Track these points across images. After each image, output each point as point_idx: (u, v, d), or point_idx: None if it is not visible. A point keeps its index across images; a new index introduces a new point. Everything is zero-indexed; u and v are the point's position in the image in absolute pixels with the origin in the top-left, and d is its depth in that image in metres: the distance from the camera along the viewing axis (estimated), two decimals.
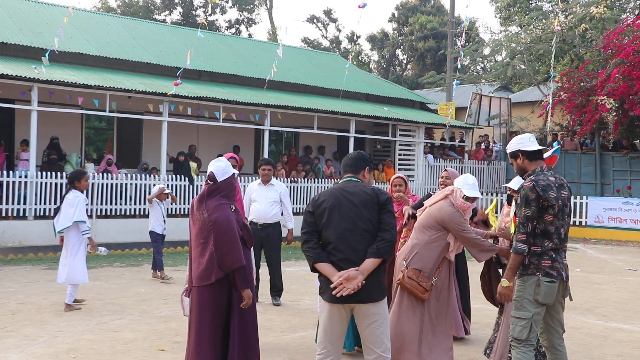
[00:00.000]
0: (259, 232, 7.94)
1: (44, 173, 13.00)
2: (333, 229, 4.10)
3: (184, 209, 14.75)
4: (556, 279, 4.40)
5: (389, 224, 4.12)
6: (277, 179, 16.34)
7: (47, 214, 12.95)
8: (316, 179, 17.36)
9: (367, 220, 4.10)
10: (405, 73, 50.13)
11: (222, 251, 4.47)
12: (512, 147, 4.61)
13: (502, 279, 4.57)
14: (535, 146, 4.53)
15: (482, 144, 22.99)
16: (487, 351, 5.63)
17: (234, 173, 4.78)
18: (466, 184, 5.48)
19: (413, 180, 19.65)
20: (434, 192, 6.99)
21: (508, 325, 5.46)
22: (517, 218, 4.42)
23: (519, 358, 4.39)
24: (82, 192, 7.95)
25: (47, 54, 12.90)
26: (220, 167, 4.71)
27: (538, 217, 4.38)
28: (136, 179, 14.17)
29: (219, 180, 4.65)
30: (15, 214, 12.64)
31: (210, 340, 4.53)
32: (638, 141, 20.37)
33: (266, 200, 8.16)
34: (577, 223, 18.58)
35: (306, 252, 4.17)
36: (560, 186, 4.47)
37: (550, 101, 19.38)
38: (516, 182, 5.60)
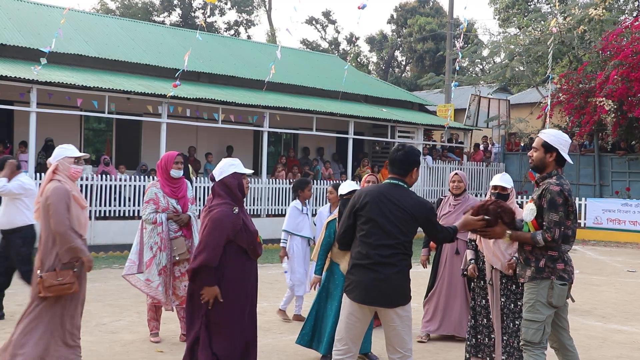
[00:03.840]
0: None
1: (42, 175, 12.97)
2: (371, 243, 4.18)
3: None
4: (567, 281, 4.44)
5: (435, 235, 4.36)
6: (275, 180, 16.34)
7: None
8: (315, 180, 17.35)
9: (402, 237, 4.18)
10: (404, 74, 50.15)
11: (202, 246, 4.51)
12: (553, 140, 4.52)
13: (508, 233, 4.53)
14: (567, 157, 4.53)
15: (481, 146, 22.99)
16: (489, 357, 5.56)
17: (235, 172, 4.72)
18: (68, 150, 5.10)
19: None
20: (445, 196, 7.00)
21: (499, 333, 5.46)
22: (545, 222, 4.36)
23: None
24: (305, 201, 7.70)
25: (46, 52, 12.85)
26: (219, 167, 4.78)
27: None
28: (135, 180, 14.16)
29: (217, 179, 4.72)
30: None
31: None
32: (634, 142, 20.37)
33: None
34: None
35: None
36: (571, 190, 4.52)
37: (549, 103, 19.39)
38: (499, 179, 5.60)
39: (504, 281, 5.45)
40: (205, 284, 4.51)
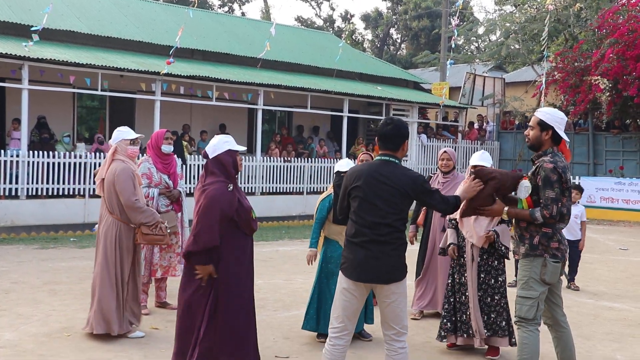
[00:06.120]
0: None
1: (35, 152, 12.92)
2: (363, 220, 4.16)
3: None
4: (560, 259, 4.48)
5: (435, 206, 4.32)
6: (270, 158, 16.35)
7: (39, 193, 12.91)
8: (309, 159, 17.34)
9: (396, 214, 4.16)
10: (399, 52, 49.92)
11: (200, 227, 4.48)
12: (548, 119, 4.51)
13: (505, 209, 4.56)
14: (564, 134, 4.53)
15: (475, 124, 22.98)
16: (466, 334, 5.66)
17: (229, 149, 4.68)
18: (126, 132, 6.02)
19: (406, 160, 19.64)
20: (434, 174, 7.04)
21: (477, 309, 5.55)
22: (542, 199, 4.37)
23: (526, 337, 4.44)
24: None
25: (38, 28, 12.69)
26: (212, 144, 4.73)
27: None
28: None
29: (210, 157, 4.68)
30: (7, 194, 12.58)
31: (194, 312, 4.59)
32: (629, 121, 20.40)
33: None
34: None
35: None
36: (567, 168, 4.52)
37: (544, 81, 19.36)
38: (478, 158, 5.71)
39: (484, 257, 5.58)
40: (200, 263, 4.52)
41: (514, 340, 5.48)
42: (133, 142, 5.96)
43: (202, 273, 4.53)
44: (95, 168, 13.63)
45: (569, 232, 8.60)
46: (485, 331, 5.53)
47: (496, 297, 5.55)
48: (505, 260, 5.69)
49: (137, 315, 5.93)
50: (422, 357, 5.60)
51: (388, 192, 4.14)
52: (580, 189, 9.06)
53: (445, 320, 5.76)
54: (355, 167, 4.31)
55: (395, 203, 4.15)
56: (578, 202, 8.89)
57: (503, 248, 5.58)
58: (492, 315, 5.53)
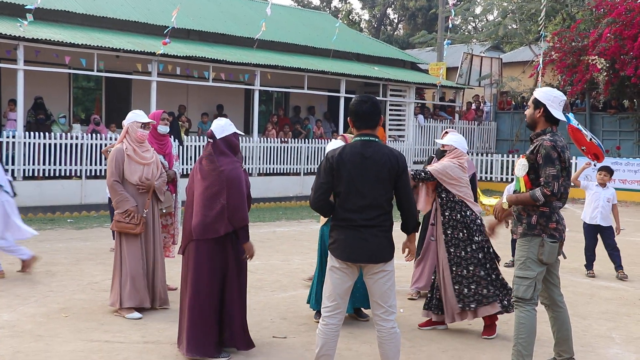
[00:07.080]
0: None
1: (32, 133, 12.87)
2: (352, 204, 4.13)
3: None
4: (558, 240, 4.48)
5: (406, 198, 4.23)
6: (267, 139, 16.30)
7: (35, 174, 12.89)
8: (306, 139, 17.31)
9: (384, 195, 4.15)
10: (396, 33, 49.64)
11: (235, 207, 4.65)
12: (542, 96, 4.53)
13: (504, 202, 4.66)
14: (558, 114, 4.52)
15: (473, 104, 22.93)
16: (440, 311, 5.73)
17: (235, 132, 4.90)
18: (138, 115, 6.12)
19: (403, 141, 19.63)
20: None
21: (449, 284, 5.60)
22: (542, 177, 4.37)
23: (523, 317, 4.46)
24: None
25: (32, 8, 12.56)
26: (220, 125, 4.87)
27: None
28: None
29: (217, 138, 4.80)
30: None
31: (207, 293, 4.73)
32: (626, 101, 20.37)
33: None
34: None
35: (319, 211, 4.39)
36: (566, 147, 4.53)
37: (541, 61, 19.29)
38: (448, 139, 5.91)
39: (449, 232, 5.61)
40: (245, 240, 4.78)
41: (505, 303, 5.52)
42: (144, 125, 6.06)
43: (250, 252, 4.83)
44: (91, 149, 13.66)
45: (603, 218, 8.47)
46: (460, 305, 5.54)
47: (470, 268, 5.52)
48: (470, 229, 5.60)
49: (160, 298, 6.14)
50: (418, 337, 5.64)
51: (375, 173, 4.10)
52: (609, 171, 8.63)
53: (427, 298, 5.88)
54: (337, 149, 4.21)
55: (383, 182, 4.12)
56: (608, 185, 8.67)
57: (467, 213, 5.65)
58: (472, 287, 5.52)
